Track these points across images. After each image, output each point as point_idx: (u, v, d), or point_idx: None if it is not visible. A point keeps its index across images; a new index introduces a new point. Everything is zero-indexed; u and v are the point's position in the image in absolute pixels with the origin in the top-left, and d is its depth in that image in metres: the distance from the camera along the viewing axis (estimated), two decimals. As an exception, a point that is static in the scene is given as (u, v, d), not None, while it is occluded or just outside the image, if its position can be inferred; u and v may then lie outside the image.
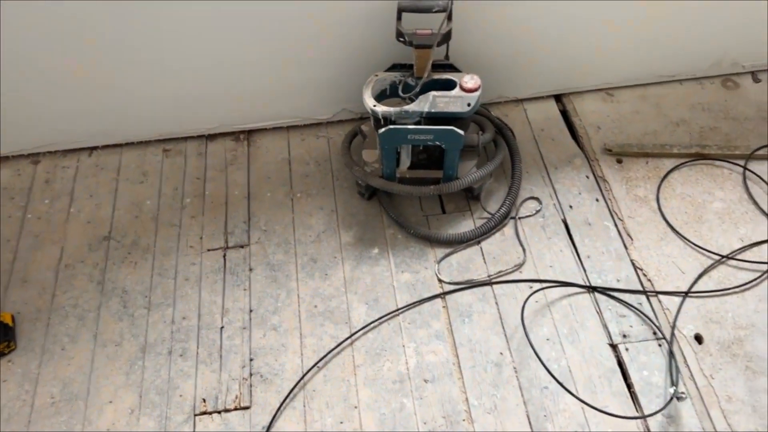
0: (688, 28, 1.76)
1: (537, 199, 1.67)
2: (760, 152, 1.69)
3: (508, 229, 1.62)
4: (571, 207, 1.65)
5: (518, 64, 1.80)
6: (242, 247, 1.61)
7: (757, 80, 1.90)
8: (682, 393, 1.28)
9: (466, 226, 1.63)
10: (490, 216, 1.63)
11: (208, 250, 1.61)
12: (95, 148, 1.82)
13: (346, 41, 1.63)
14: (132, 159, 1.80)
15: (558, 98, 1.91)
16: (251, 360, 1.42)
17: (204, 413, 1.34)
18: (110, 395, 1.37)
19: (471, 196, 1.67)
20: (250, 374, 1.40)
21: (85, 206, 1.70)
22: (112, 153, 1.81)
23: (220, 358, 1.42)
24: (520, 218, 1.64)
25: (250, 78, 1.71)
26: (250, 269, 1.57)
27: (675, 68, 1.88)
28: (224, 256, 1.60)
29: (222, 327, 1.47)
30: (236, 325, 1.47)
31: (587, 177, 1.71)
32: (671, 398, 1.28)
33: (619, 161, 1.73)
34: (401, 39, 1.44)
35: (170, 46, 1.58)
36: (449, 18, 1.42)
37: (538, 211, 1.65)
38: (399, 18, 1.43)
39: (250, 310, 1.50)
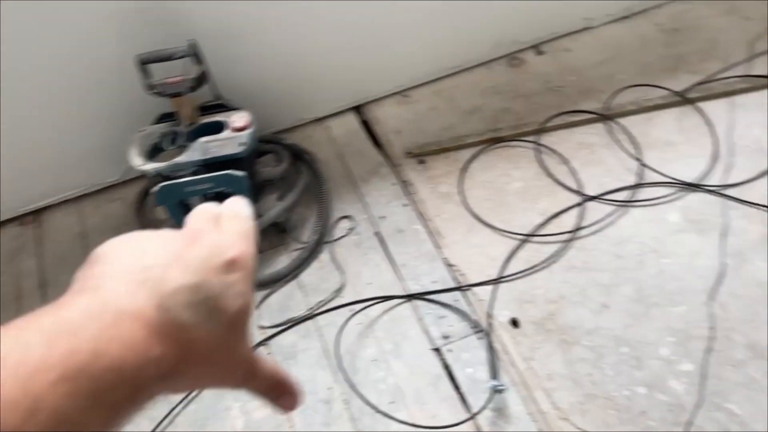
0: (466, 16, 1.80)
1: (349, 217, 1.65)
2: (549, 124, 1.76)
3: (324, 255, 1.59)
4: (382, 218, 1.64)
5: (310, 83, 1.77)
6: (42, 342, 1.47)
7: (539, 53, 1.98)
8: (501, 385, 1.29)
9: (283, 261, 1.58)
10: (303, 246, 1.59)
11: (4, 356, 1.45)
12: None
13: (106, 101, 1.53)
14: None
15: (357, 109, 1.90)
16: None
17: None
18: None
19: (282, 231, 1.62)
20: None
21: None
22: None
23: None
24: (334, 241, 1.61)
25: (21, 156, 1.57)
26: (55, 365, 1.44)
27: (462, 57, 1.92)
28: (23, 357, 1.45)
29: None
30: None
31: (393, 184, 1.71)
32: (492, 393, 1.29)
33: (422, 162, 1.75)
34: (154, 92, 1.36)
35: None
36: (199, 61, 1.36)
37: (351, 230, 1.63)
38: (144, 71, 1.35)
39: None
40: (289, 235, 1.62)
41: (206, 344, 0.33)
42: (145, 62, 1.33)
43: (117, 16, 1.37)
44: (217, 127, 1.43)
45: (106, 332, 0.29)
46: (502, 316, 1.43)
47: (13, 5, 1.28)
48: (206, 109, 1.46)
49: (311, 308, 1.49)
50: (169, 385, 0.32)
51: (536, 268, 1.50)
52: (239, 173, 1.40)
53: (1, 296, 1.56)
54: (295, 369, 1.40)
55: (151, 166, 1.38)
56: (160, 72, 1.36)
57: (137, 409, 0.30)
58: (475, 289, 1.48)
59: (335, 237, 1.61)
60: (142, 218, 1.57)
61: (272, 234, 1.63)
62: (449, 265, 1.53)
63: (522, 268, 1.50)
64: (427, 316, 1.45)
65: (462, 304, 1.46)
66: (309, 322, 1.47)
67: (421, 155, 1.75)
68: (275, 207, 1.54)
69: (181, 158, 1.38)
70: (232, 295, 0.34)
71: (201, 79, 1.37)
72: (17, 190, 1.64)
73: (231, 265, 0.34)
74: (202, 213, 0.38)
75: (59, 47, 1.39)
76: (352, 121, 1.87)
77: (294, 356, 1.42)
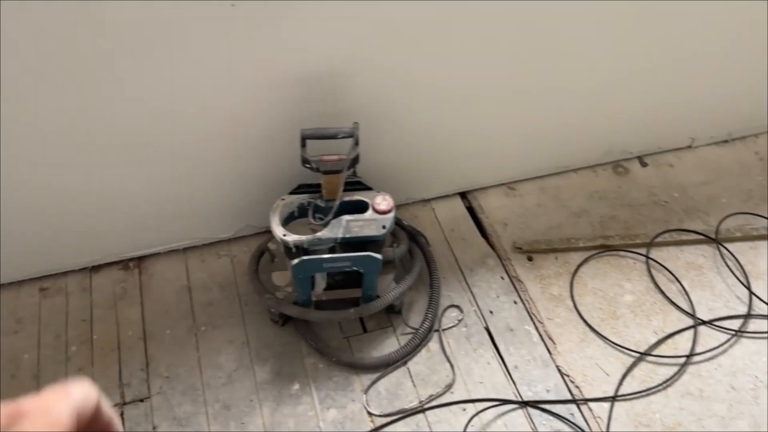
0: (582, 120, 1.83)
1: (458, 307, 1.63)
2: (659, 239, 1.77)
3: (434, 344, 1.56)
4: (491, 312, 1.63)
5: (422, 167, 1.78)
6: (142, 401, 1.42)
7: (644, 164, 2.01)
8: None
9: (390, 344, 1.55)
10: (413, 331, 1.56)
11: (103, 409, 1.40)
12: (-48, 294, 1.56)
13: (247, 163, 1.53)
14: (2, 304, 1.56)
15: (463, 195, 1.91)
16: None
17: None
18: None
19: (392, 311, 1.60)
20: None
21: (-57, 371, 1.43)
22: (-26, 300, 1.56)
23: None
24: (443, 330, 1.58)
25: (137, 203, 1.55)
26: (154, 427, 1.38)
27: (570, 159, 1.95)
28: (122, 414, 1.40)
29: (126, 506, 1.27)
30: (143, 501, 1.28)
31: (502, 278, 1.70)
32: None
33: (530, 258, 1.74)
34: (307, 165, 1.36)
35: (46, 172, 1.40)
36: (356, 143, 1.36)
37: (460, 321, 1.61)
38: (303, 145, 1.36)
39: (159, 479, 1.31)
40: (400, 316, 1.59)
41: None
42: (307, 137, 1.34)
43: (282, 87, 1.39)
44: (359, 206, 1.42)
45: None
46: (620, 437, 1.40)
47: (187, 62, 1.29)
48: (344, 185, 1.46)
49: (422, 401, 1.45)
50: None
51: (652, 390, 1.48)
52: (378, 256, 1.39)
53: (94, 343, 1.51)
54: (406, 465, 1.35)
55: (293, 238, 1.36)
56: (314, 149, 1.37)
57: None
58: (591, 403, 1.45)
59: (444, 326, 1.59)
60: (255, 279, 1.54)
61: (381, 314, 1.60)
62: (563, 375, 1.51)
63: (638, 388, 1.48)
64: (542, 426, 1.42)
65: (578, 419, 1.43)
66: (420, 416, 1.43)
67: (530, 252, 1.75)
68: (393, 290, 1.52)
69: (324, 233, 1.37)
70: None
71: (355, 161, 1.37)
72: (125, 233, 1.61)
73: None
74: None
75: (219, 105, 1.39)
76: (458, 205, 1.88)
77: (405, 451, 1.37)
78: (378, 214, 1.40)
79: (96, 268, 1.65)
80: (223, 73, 1.34)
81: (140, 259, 1.68)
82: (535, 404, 1.45)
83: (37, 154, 1.36)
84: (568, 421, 1.42)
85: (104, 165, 1.43)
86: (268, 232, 1.72)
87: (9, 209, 1.42)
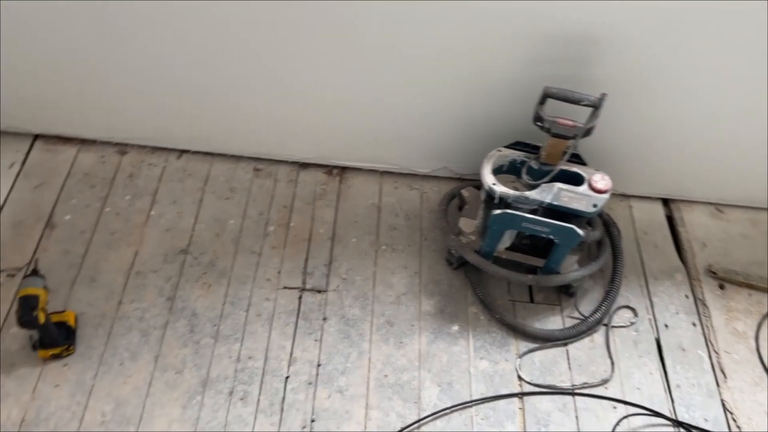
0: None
1: (633, 309, 1.58)
2: None
3: (599, 336, 1.53)
4: (666, 326, 1.56)
5: (632, 160, 1.71)
6: (319, 292, 1.54)
7: None
8: None
9: (554, 322, 1.54)
10: (582, 318, 1.54)
11: (285, 288, 1.53)
12: (186, 151, 1.76)
13: (475, 108, 1.56)
14: (221, 171, 1.74)
15: (666, 202, 1.82)
16: (313, 421, 1.34)
17: (256, 471, 1.26)
18: (163, 427, 1.30)
19: (565, 292, 1.58)
20: (310, 437, 1.32)
21: (166, 212, 1.64)
22: (202, 160, 1.75)
23: (281, 411, 1.35)
24: (612, 327, 1.55)
25: (361, 118, 1.64)
26: (324, 318, 1.50)
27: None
28: (300, 297, 1.52)
29: (287, 377, 1.40)
30: (302, 378, 1.40)
31: (686, 296, 1.62)
32: None
33: (722, 287, 1.64)
34: (539, 123, 1.36)
35: (295, 72, 1.52)
36: (596, 114, 1.34)
37: (632, 323, 1.56)
38: (542, 102, 1.35)
39: (318, 365, 1.42)
40: (572, 299, 1.58)
41: None
42: (549, 96, 1.34)
43: (530, 42, 1.38)
44: (574, 179, 1.41)
45: None
46: (777, 495, 1.31)
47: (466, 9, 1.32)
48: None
49: (575, 385, 1.44)
50: None
51: (826, 462, 1.36)
52: (580, 232, 1.37)
53: (290, 229, 1.64)
54: (544, 438, 1.36)
55: (501, 189, 1.38)
56: (550, 109, 1.36)
57: None
58: (752, 450, 1.37)
59: (614, 324, 1.55)
60: (444, 219, 1.59)
61: (553, 291, 1.59)
62: (727, 410, 1.42)
63: (810, 454, 1.36)
64: (692, 452, 1.36)
65: (734, 459, 1.35)
66: (569, 398, 1.43)
67: (723, 280, 1.65)
68: (575, 270, 1.50)
69: (533, 194, 1.38)
70: None
71: (589, 132, 1.35)
72: (337, 143, 1.72)
73: None
74: None
75: (475, 51, 1.42)
76: (657, 211, 1.80)
77: (546, 425, 1.38)
78: (593, 191, 1.38)
79: (304, 165, 1.78)
80: (487, 23, 1.35)
81: (343, 169, 1.79)
82: (689, 427, 1.39)
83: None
84: (722, 458, 1.35)
85: (352, 74, 1.52)
86: (463, 179, 1.78)
87: (267, 93, 1.57)
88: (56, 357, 1.36)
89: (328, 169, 1.78)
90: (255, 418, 1.33)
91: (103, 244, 1.56)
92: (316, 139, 1.72)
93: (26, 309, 1.24)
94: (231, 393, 1.36)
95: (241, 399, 1.35)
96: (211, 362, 1.40)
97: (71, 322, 1.39)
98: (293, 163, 1.78)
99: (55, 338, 1.33)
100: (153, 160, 1.74)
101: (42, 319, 1.26)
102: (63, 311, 1.40)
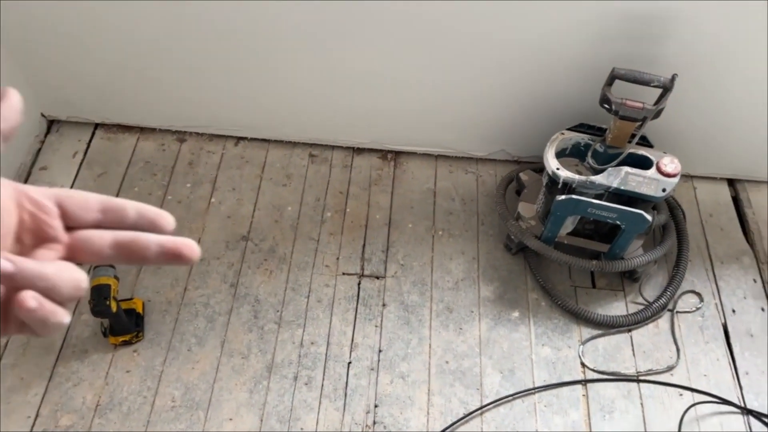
0: None
1: (698, 294, 1.54)
2: None
3: (663, 322, 1.50)
4: (734, 311, 1.52)
5: (696, 140, 1.65)
6: (378, 278, 1.54)
7: None
8: None
9: (618, 308, 1.52)
10: (646, 304, 1.51)
11: (344, 274, 1.54)
12: (243, 138, 1.77)
13: (536, 89, 1.52)
14: (278, 158, 1.74)
15: (731, 183, 1.75)
16: (376, 406, 1.36)
17: (323, 455, 1.29)
18: (231, 412, 1.33)
19: (629, 277, 1.55)
20: (374, 422, 1.33)
21: (226, 199, 1.66)
22: (258, 147, 1.76)
23: (344, 396, 1.36)
24: (677, 312, 1.51)
25: (416, 101, 1.62)
26: (384, 305, 1.50)
27: None
28: (359, 284, 1.53)
29: (350, 362, 1.41)
30: (364, 363, 1.41)
31: (755, 281, 1.57)
32: None
33: (794, 271, 1.58)
34: (606, 105, 1.32)
35: (352, 58, 1.51)
36: (665, 96, 1.29)
37: (697, 309, 1.52)
38: (609, 84, 1.31)
39: (380, 350, 1.43)
40: (636, 284, 1.54)
41: None
42: (617, 77, 1.29)
43: (601, 21, 1.34)
44: (642, 162, 1.37)
45: None
46: None
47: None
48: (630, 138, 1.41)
49: (639, 372, 1.42)
50: None
51: None
52: (649, 217, 1.34)
53: (347, 215, 1.64)
54: (609, 425, 1.35)
55: (565, 174, 1.35)
56: (617, 90, 1.32)
57: None
58: (828, 441, 1.33)
59: (680, 309, 1.52)
60: (503, 203, 1.57)
61: (616, 275, 1.56)
62: (801, 400, 1.38)
63: None
64: (764, 441, 1.33)
65: (809, 450, 1.32)
66: (633, 385, 1.41)
67: (795, 264, 1.59)
68: (639, 256, 1.47)
69: (599, 178, 1.34)
70: None
71: (658, 115, 1.31)
72: (392, 126, 1.70)
73: None
74: None
75: (540, 30, 1.39)
76: (723, 192, 1.74)
77: (611, 412, 1.36)
78: (662, 175, 1.34)
79: (359, 151, 1.77)
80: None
81: (397, 154, 1.78)
82: (759, 415, 1.36)
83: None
84: (796, 448, 1.32)
85: (423, 64, 1.50)
86: (520, 162, 1.75)
87: (325, 78, 1.56)
88: (126, 343, 1.40)
89: (383, 153, 1.77)
90: (319, 402, 1.35)
91: (166, 232, 1.59)
92: (370, 123, 1.71)
93: (99, 298, 1.28)
94: (296, 378, 1.38)
95: (306, 384, 1.38)
96: (275, 348, 1.42)
97: (139, 309, 1.43)
98: (347, 148, 1.77)
99: (125, 325, 1.37)
100: (211, 147, 1.76)
101: (114, 307, 1.29)
102: (131, 299, 1.44)
